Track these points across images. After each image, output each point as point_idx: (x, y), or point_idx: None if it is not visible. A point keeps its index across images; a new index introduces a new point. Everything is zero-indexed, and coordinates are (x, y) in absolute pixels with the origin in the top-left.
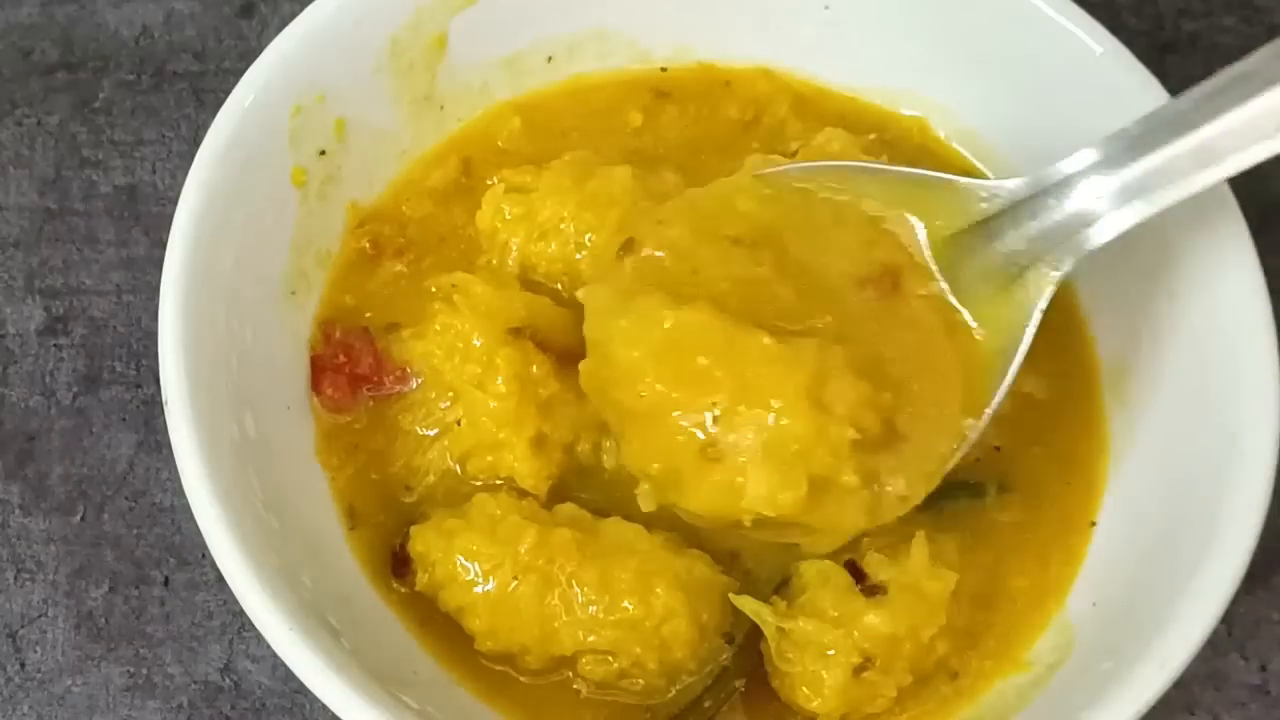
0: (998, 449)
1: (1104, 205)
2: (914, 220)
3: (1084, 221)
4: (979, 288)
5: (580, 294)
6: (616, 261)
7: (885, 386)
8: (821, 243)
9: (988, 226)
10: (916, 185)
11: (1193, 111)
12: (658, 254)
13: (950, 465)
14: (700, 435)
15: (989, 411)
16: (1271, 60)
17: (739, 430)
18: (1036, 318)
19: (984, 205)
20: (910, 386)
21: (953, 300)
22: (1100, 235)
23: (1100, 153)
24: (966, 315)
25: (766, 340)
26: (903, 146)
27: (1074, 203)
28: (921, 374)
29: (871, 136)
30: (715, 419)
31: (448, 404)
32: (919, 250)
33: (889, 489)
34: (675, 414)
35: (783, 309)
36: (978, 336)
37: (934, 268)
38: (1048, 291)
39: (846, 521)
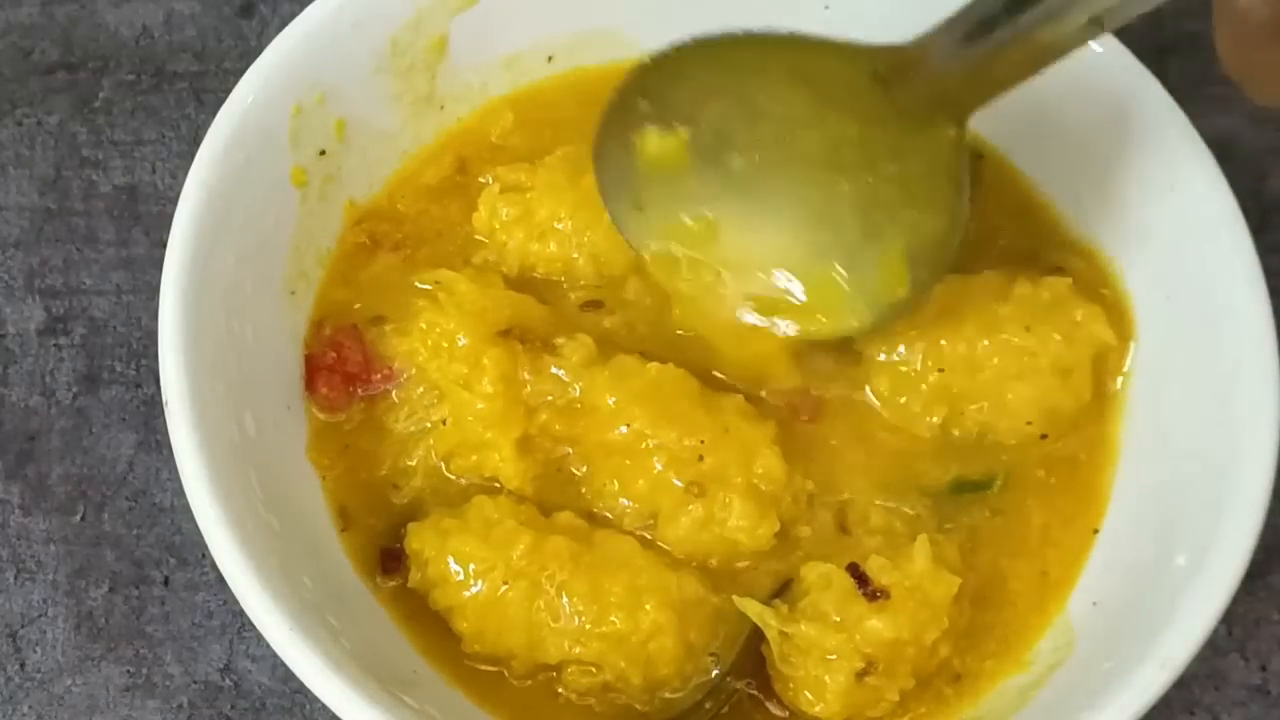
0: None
1: (969, 75)
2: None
3: (950, 96)
4: (891, 127)
5: (560, 341)
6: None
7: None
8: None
9: (884, 81)
10: (806, 50)
11: None
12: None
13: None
14: (682, 474)
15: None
16: None
17: (722, 467)
18: (963, 157)
19: (868, 64)
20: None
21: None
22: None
23: (960, 26)
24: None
25: (739, 397)
26: None
27: (940, 71)
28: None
29: None
30: (700, 457)
31: (432, 403)
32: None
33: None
34: (659, 453)
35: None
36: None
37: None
38: (955, 137)
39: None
